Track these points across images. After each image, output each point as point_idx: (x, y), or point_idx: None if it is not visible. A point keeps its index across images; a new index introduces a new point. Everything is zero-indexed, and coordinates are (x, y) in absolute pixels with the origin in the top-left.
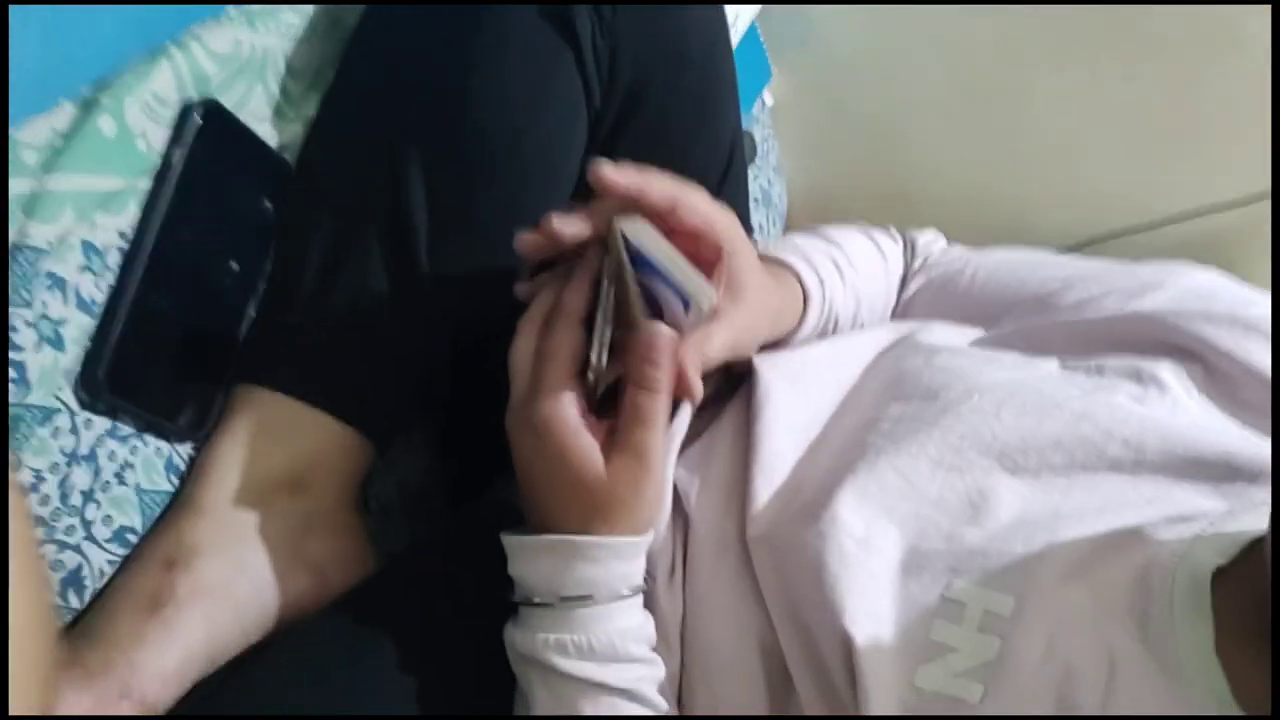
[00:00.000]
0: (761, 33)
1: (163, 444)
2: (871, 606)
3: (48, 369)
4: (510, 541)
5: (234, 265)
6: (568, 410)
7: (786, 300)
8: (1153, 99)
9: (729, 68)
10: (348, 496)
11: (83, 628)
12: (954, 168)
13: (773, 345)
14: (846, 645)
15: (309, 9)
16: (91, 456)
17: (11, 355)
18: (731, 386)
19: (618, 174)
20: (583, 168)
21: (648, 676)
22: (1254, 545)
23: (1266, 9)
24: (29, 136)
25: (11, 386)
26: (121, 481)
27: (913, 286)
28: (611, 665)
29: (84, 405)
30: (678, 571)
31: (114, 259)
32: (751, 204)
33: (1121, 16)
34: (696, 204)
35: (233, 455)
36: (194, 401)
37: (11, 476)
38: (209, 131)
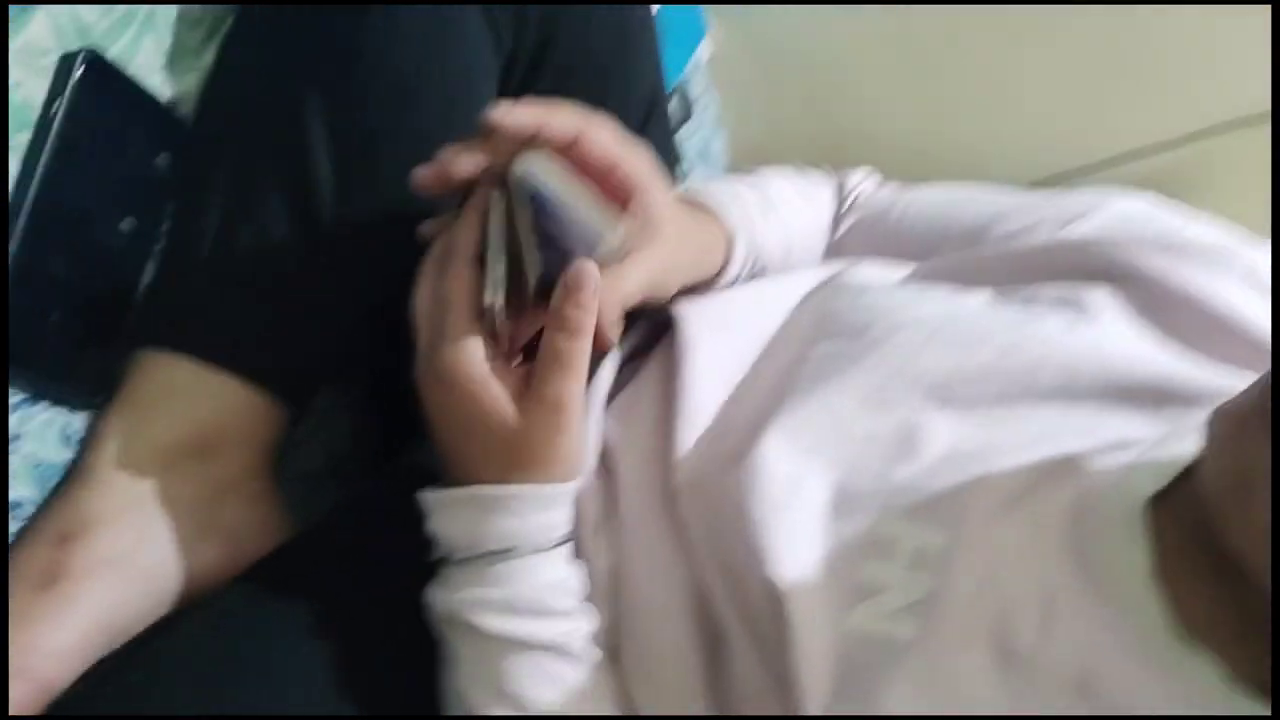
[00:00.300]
0: None
1: (56, 412)
2: (799, 549)
3: None
4: (427, 498)
5: (127, 224)
6: (472, 357)
7: (709, 242)
8: (1094, 39)
9: (644, 22)
10: (261, 462)
11: None
12: (896, 116)
13: (697, 289)
14: (774, 590)
15: None
16: None
17: None
18: (656, 336)
19: (515, 112)
20: None
21: (575, 631)
22: (1189, 470)
23: None
24: None
25: None
26: (12, 452)
27: (845, 225)
28: (536, 620)
29: None
30: (606, 523)
31: None
32: (691, 160)
33: None
34: (603, 137)
35: (133, 422)
36: (89, 367)
37: None
38: (90, 83)
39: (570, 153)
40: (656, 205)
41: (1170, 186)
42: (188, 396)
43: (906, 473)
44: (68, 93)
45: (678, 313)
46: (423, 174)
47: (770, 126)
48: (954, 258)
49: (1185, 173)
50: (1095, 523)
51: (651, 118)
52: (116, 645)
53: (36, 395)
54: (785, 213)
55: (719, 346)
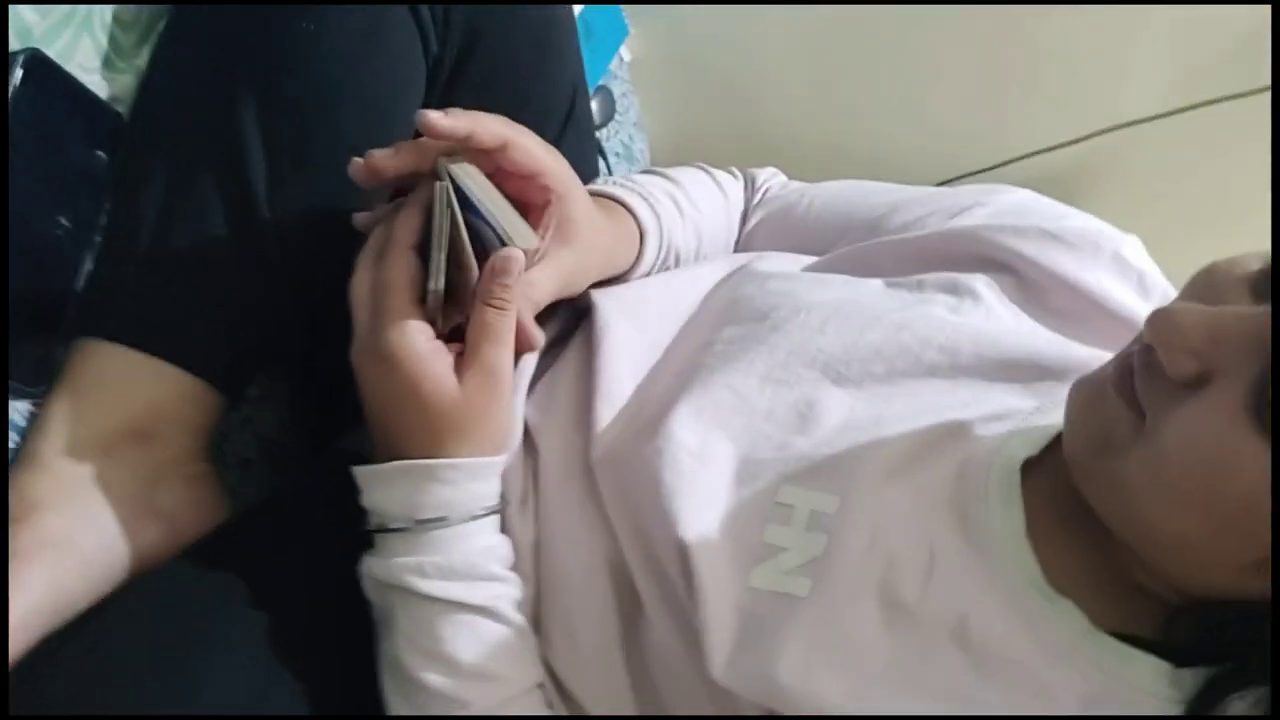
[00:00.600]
0: None
1: None
2: (707, 514)
3: None
4: (363, 472)
5: (66, 217)
6: (415, 337)
7: (621, 238)
8: (995, 48)
9: (566, 26)
10: (198, 446)
11: None
12: (809, 118)
13: (612, 280)
14: (683, 551)
15: None
16: None
17: None
18: (574, 325)
19: (444, 118)
20: None
21: (505, 595)
22: (1059, 438)
23: None
24: None
25: None
26: None
27: (753, 220)
28: (469, 583)
29: None
30: (529, 500)
31: None
32: (613, 159)
33: None
34: (527, 146)
35: (73, 409)
36: (29, 356)
37: None
38: (32, 82)
39: (496, 159)
40: (573, 211)
41: (1064, 185)
42: (126, 384)
43: (804, 443)
44: (12, 92)
45: (594, 301)
46: (358, 165)
47: (689, 126)
48: (854, 247)
49: (1078, 172)
50: (976, 486)
51: (572, 118)
52: (60, 623)
53: None
54: (701, 208)
55: (633, 331)
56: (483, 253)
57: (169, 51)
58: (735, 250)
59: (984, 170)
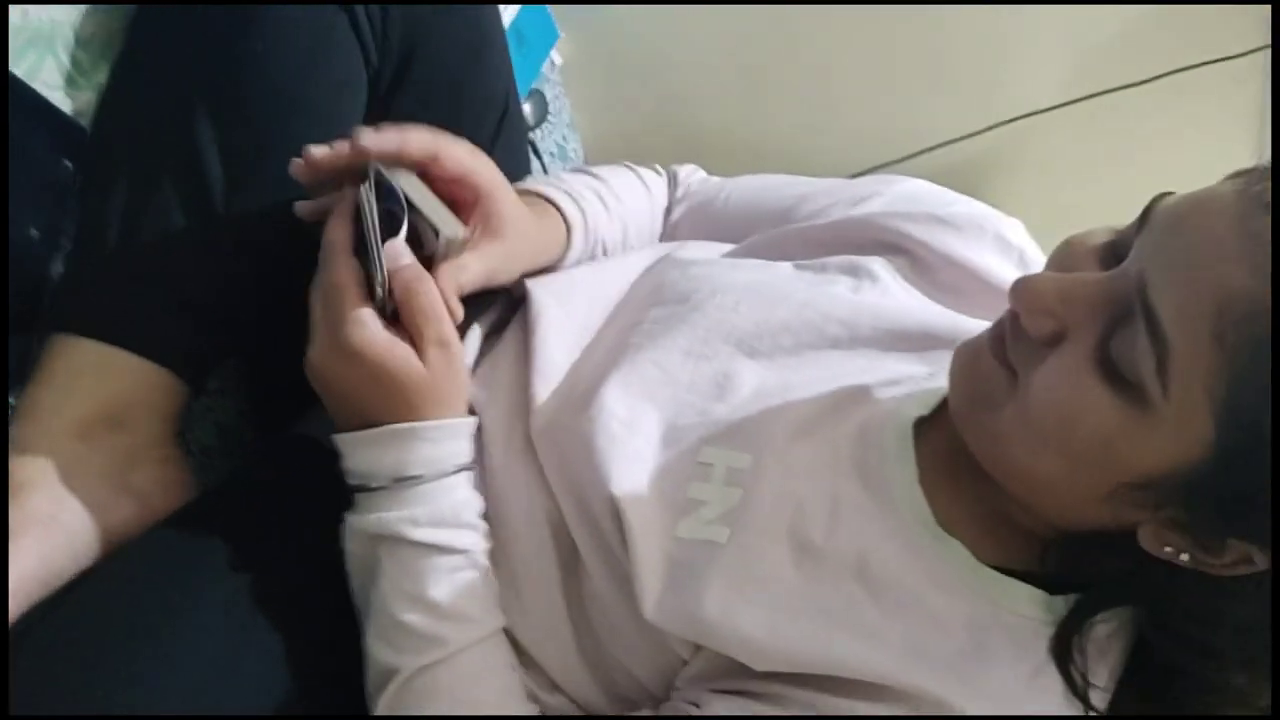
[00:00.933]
0: None
1: None
2: (636, 474)
3: None
4: (348, 438)
5: (37, 225)
6: (373, 330)
7: (547, 230)
8: (898, 45)
9: (496, 36)
10: (167, 431)
11: None
12: (732, 112)
13: (544, 270)
14: (615, 507)
15: None
16: None
17: None
18: (513, 312)
19: (374, 137)
20: (365, 121)
21: (480, 544)
22: (947, 399)
23: None
24: None
25: None
26: None
27: (677, 213)
28: (455, 530)
29: None
30: (475, 469)
31: None
32: (548, 158)
33: None
34: (456, 153)
35: (51, 399)
36: (7, 357)
37: None
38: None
39: (428, 168)
40: (500, 207)
41: (970, 174)
42: (97, 375)
43: (722, 410)
44: None
45: (529, 289)
46: (296, 164)
47: (619, 124)
48: (765, 236)
49: (983, 161)
50: (874, 442)
51: (505, 123)
52: (48, 592)
53: None
54: (626, 203)
55: (566, 315)
56: (419, 245)
57: (127, 69)
58: (660, 240)
59: (895, 161)
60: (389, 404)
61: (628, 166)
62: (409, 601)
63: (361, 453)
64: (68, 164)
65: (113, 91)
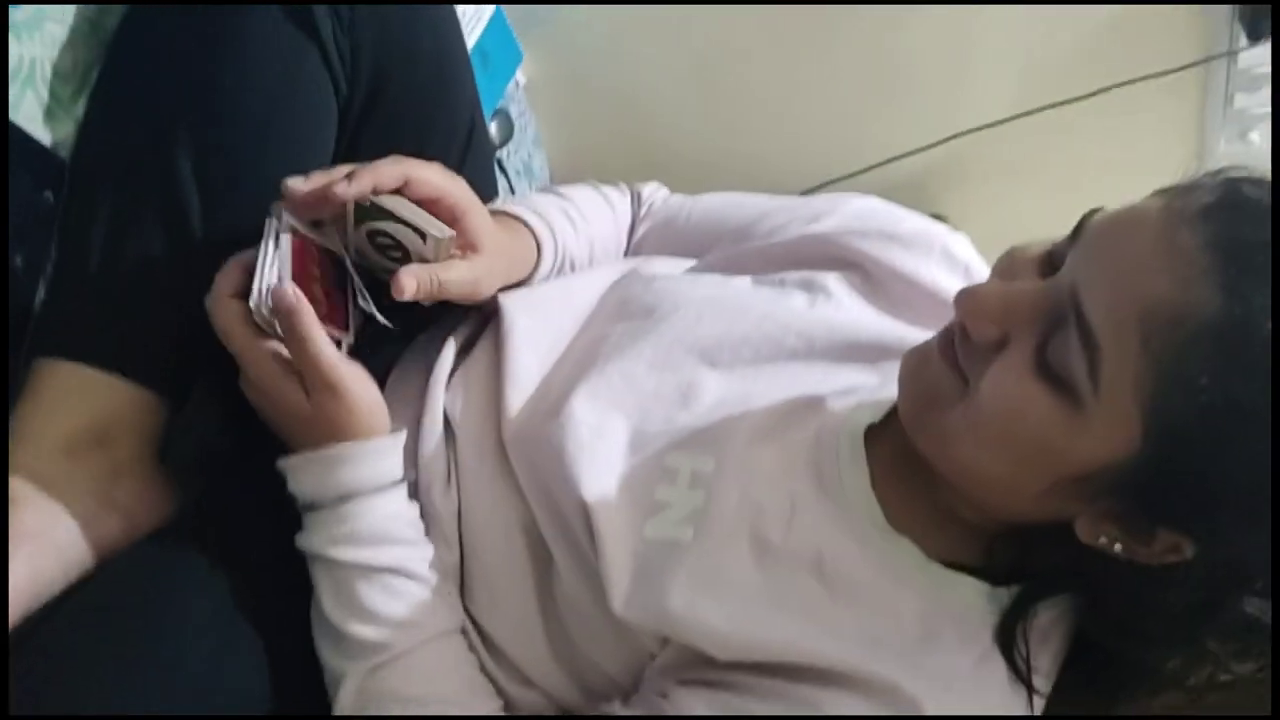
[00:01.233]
0: (508, 17)
1: None
2: (605, 478)
3: None
4: (283, 464)
5: (20, 253)
6: (262, 368)
7: (519, 249)
8: (851, 63)
9: (461, 60)
10: (148, 448)
11: None
12: (692, 129)
13: (516, 285)
14: (585, 510)
15: (69, 19)
16: None
17: None
18: (484, 327)
19: (350, 187)
20: (337, 147)
21: (414, 556)
22: (896, 407)
23: None
24: None
25: None
26: None
27: (641, 230)
28: (377, 547)
29: None
30: (452, 478)
31: None
32: (514, 176)
33: None
34: (427, 177)
35: (37, 420)
36: None
37: None
38: None
39: (402, 193)
40: (476, 223)
41: (923, 186)
42: (81, 395)
43: (686, 417)
44: None
45: (501, 304)
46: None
47: (583, 141)
48: (726, 251)
49: (935, 174)
50: (829, 447)
51: (472, 144)
52: (39, 604)
53: None
54: (592, 220)
55: (535, 327)
56: (407, 255)
57: (103, 101)
58: (626, 256)
59: (850, 175)
60: (300, 435)
61: (593, 186)
62: (347, 612)
63: (291, 476)
64: (48, 195)
65: (90, 123)
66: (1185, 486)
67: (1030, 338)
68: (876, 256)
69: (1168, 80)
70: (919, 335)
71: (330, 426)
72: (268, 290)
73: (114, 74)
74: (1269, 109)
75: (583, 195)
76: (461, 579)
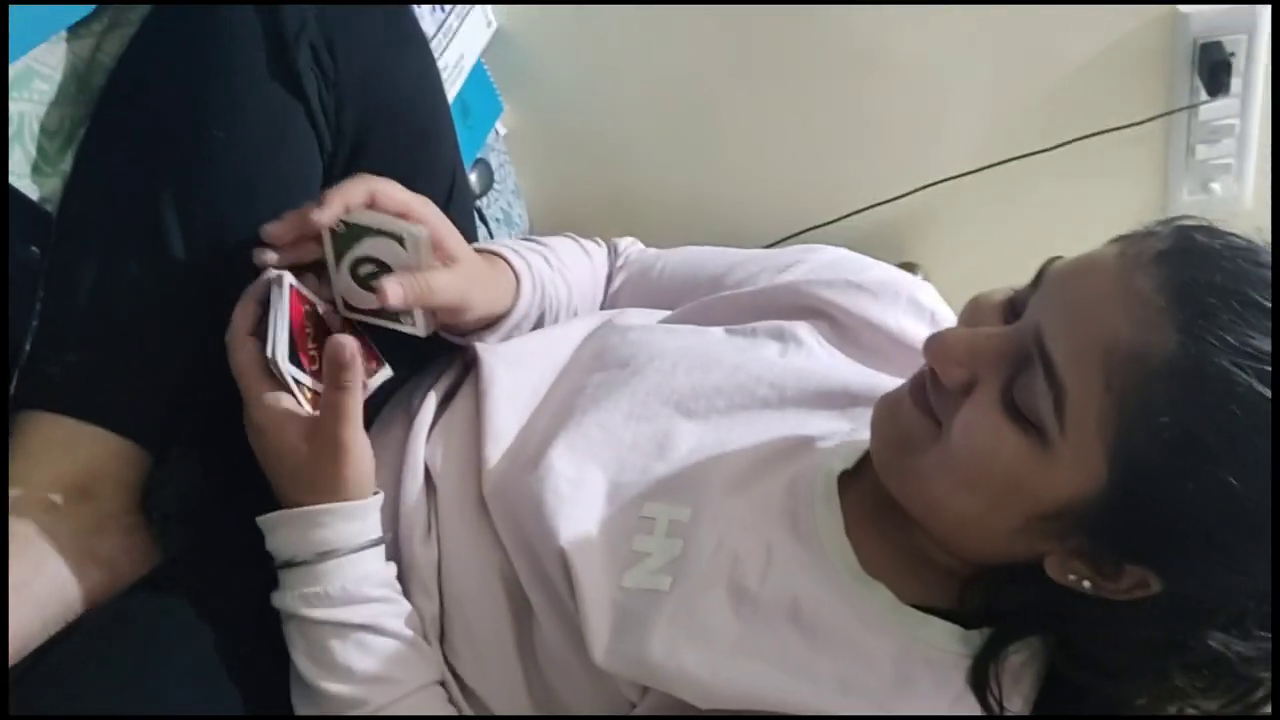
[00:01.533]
0: (489, 69)
1: None
2: (583, 529)
3: None
4: (262, 521)
5: (7, 305)
6: (272, 411)
7: (499, 279)
8: (823, 115)
9: (442, 112)
10: (132, 500)
11: None
12: (668, 180)
13: (495, 327)
14: (564, 560)
15: (57, 76)
16: None
17: None
18: (463, 378)
19: (323, 212)
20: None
21: (387, 612)
22: (868, 453)
23: (914, 33)
24: None
25: None
26: None
27: (617, 282)
28: (348, 607)
29: None
30: (432, 530)
31: None
32: (494, 224)
33: (788, 45)
34: (389, 192)
35: (21, 472)
36: None
37: None
38: None
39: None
40: (449, 239)
41: (892, 236)
42: (65, 448)
43: (662, 467)
44: None
45: (480, 356)
46: (259, 254)
47: (562, 191)
48: (698, 303)
49: (904, 223)
50: (803, 494)
51: (453, 194)
52: (19, 658)
53: None
54: (569, 265)
55: (514, 380)
56: (385, 266)
57: (90, 157)
58: (602, 307)
59: (821, 225)
60: (287, 482)
61: (570, 236)
62: (322, 670)
63: (269, 533)
64: (34, 250)
65: (77, 178)
66: (1150, 520)
67: (997, 380)
68: (844, 305)
69: (1131, 133)
70: (888, 382)
71: (320, 479)
72: (282, 342)
73: (102, 130)
74: (1230, 160)
75: (559, 242)
76: (441, 630)
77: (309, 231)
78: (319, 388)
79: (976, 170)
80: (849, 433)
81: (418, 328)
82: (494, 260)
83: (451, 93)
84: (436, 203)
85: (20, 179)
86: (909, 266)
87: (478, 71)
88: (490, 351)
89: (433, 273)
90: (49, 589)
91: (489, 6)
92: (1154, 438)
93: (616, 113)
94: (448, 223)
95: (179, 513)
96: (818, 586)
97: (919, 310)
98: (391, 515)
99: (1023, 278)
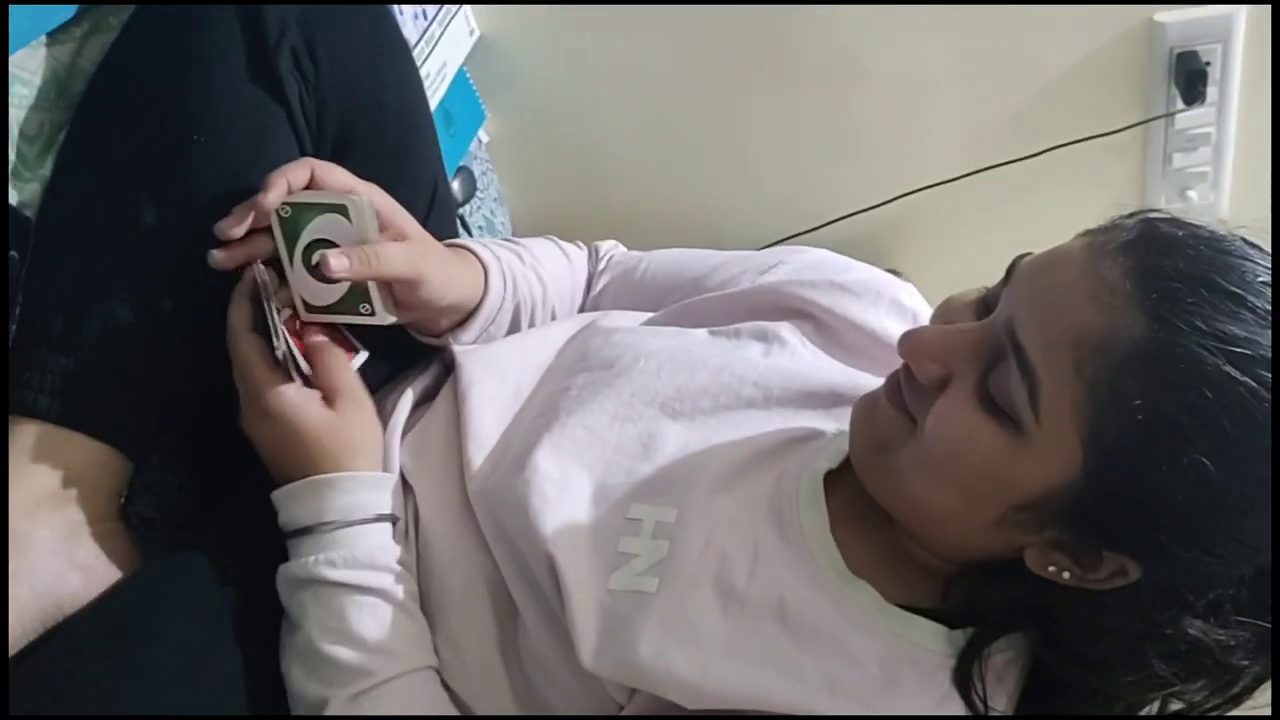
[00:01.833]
0: (471, 77)
1: None
2: (569, 531)
3: None
4: (280, 493)
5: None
6: (286, 394)
7: (463, 268)
8: (808, 124)
9: (424, 119)
10: (111, 506)
11: None
12: (652, 187)
13: (470, 317)
14: (551, 563)
15: (37, 81)
16: None
17: None
18: (441, 383)
19: (267, 196)
20: None
21: (401, 586)
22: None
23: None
24: None
25: None
26: None
27: (599, 284)
28: (371, 571)
29: None
30: (410, 533)
31: None
32: (477, 232)
33: (770, 53)
34: (332, 172)
35: None
36: None
37: None
38: None
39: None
40: (393, 211)
41: (876, 242)
42: (44, 454)
43: (648, 468)
44: None
45: (459, 359)
46: (214, 256)
47: (545, 198)
48: (681, 304)
49: (887, 230)
50: (789, 494)
51: (435, 202)
52: None
53: None
54: (544, 263)
55: (494, 383)
56: (333, 243)
57: (70, 161)
58: (585, 310)
59: (805, 231)
60: (310, 456)
61: (549, 238)
62: (334, 636)
63: (288, 504)
64: (14, 254)
65: (57, 182)
66: (1126, 506)
67: (971, 373)
68: (827, 305)
69: (1109, 141)
70: (872, 382)
71: (348, 438)
72: (285, 332)
73: (82, 135)
74: (1206, 168)
75: (533, 241)
76: None
77: (260, 221)
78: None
79: (957, 178)
80: (835, 433)
81: (377, 315)
82: (461, 253)
83: (434, 101)
84: (419, 210)
85: None
86: (891, 273)
87: (460, 80)
88: (469, 354)
89: (381, 244)
90: (27, 596)
91: (471, 15)
92: (1127, 422)
93: (599, 120)
94: (394, 203)
95: (158, 519)
96: (804, 586)
97: (901, 311)
98: None
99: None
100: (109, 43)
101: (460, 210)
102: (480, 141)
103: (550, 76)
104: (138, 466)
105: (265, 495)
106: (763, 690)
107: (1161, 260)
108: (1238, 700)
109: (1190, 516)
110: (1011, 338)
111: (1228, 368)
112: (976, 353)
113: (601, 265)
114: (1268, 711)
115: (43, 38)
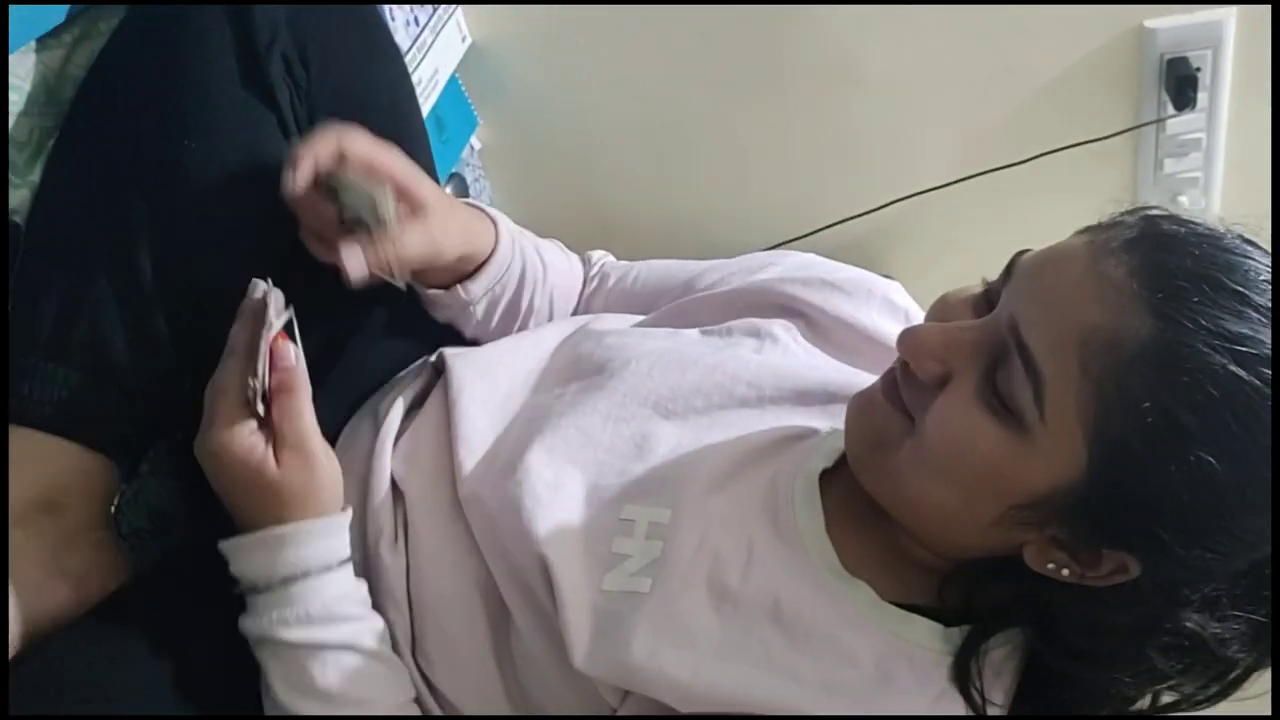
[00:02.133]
0: (463, 84)
1: None
2: (562, 533)
3: None
4: (226, 546)
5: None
6: (236, 437)
7: (474, 219)
8: (802, 130)
9: (416, 126)
10: (101, 514)
11: None
12: (645, 194)
13: (477, 270)
14: (544, 564)
15: (26, 87)
16: None
17: None
18: (431, 387)
19: (298, 175)
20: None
21: (364, 629)
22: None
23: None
24: None
25: None
26: None
27: (590, 288)
28: (328, 626)
29: None
30: (400, 538)
31: None
32: None
33: (763, 59)
34: (359, 145)
35: None
36: None
37: None
38: None
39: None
40: (415, 189)
41: (870, 246)
42: (34, 462)
43: (641, 469)
44: None
45: (450, 363)
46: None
47: (537, 205)
48: (672, 305)
49: (881, 234)
50: (784, 493)
51: None
52: None
53: None
54: (544, 248)
55: (485, 386)
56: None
57: (60, 167)
58: (576, 313)
59: (800, 237)
60: (253, 504)
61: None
62: (301, 694)
63: (237, 559)
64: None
65: (46, 189)
66: (1130, 504)
67: (973, 372)
68: (819, 303)
69: (1100, 147)
70: (865, 380)
71: (289, 493)
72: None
73: (71, 141)
74: (1198, 173)
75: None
76: (413, 638)
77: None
78: None
79: (948, 184)
80: (829, 432)
81: (396, 279)
82: (474, 210)
83: (426, 108)
84: None
85: None
86: (885, 278)
87: (452, 86)
88: (460, 358)
89: (400, 235)
90: (14, 606)
91: (463, 21)
92: (1134, 421)
93: (592, 127)
94: (410, 170)
95: (148, 527)
96: (799, 585)
97: (893, 309)
98: (359, 523)
99: None
100: (99, 49)
101: None
102: (472, 148)
103: (542, 83)
104: (127, 476)
105: None
106: (757, 691)
107: (1165, 258)
108: (1230, 690)
109: (1193, 514)
110: (1015, 336)
111: (1234, 367)
112: (978, 351)
113: (593, 272)
114: (1267, 711)
115: (32, 44)
